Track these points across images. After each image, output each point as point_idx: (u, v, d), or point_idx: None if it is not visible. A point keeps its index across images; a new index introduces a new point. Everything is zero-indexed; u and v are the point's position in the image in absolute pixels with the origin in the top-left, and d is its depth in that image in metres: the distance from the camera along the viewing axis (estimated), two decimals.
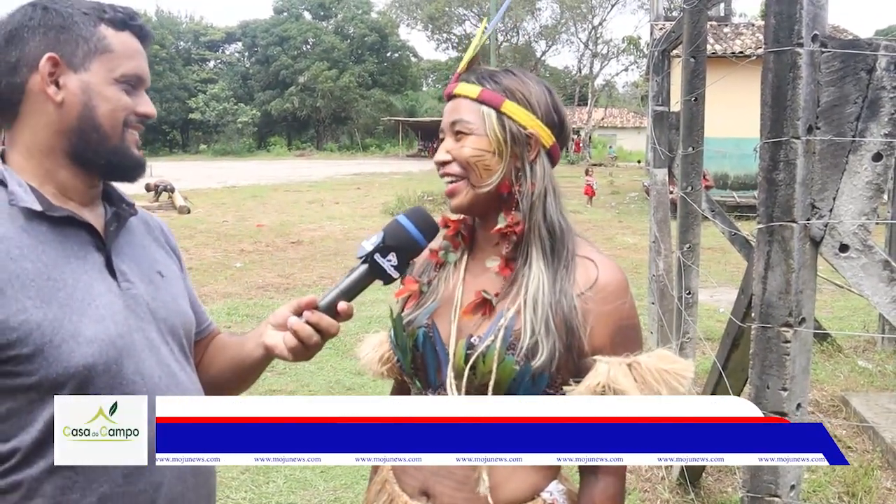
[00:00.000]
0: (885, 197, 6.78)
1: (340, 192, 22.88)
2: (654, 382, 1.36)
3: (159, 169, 28.00)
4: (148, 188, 19.56)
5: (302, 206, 19.26)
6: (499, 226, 1.46)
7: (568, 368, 1.40)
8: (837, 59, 1.87)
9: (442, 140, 1.50)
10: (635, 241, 13.39)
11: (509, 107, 1.44)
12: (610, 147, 49.37)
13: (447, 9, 49.82)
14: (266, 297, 8.75)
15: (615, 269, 1.46)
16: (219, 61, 67.12)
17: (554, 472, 1.50)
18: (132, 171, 1.38)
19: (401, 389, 1.69)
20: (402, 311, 1.55)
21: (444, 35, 52.54)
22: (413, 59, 68.03)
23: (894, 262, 1.90)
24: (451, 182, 1.46)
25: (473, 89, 1.46)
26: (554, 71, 59.78)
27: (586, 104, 49.01)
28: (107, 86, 1.32)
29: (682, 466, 3.90)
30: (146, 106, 1.37)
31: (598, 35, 48.94)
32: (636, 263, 10.96)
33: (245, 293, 9.16)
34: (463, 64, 1.51)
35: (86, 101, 1.31)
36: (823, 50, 1.87)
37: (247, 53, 65.75)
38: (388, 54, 64.62)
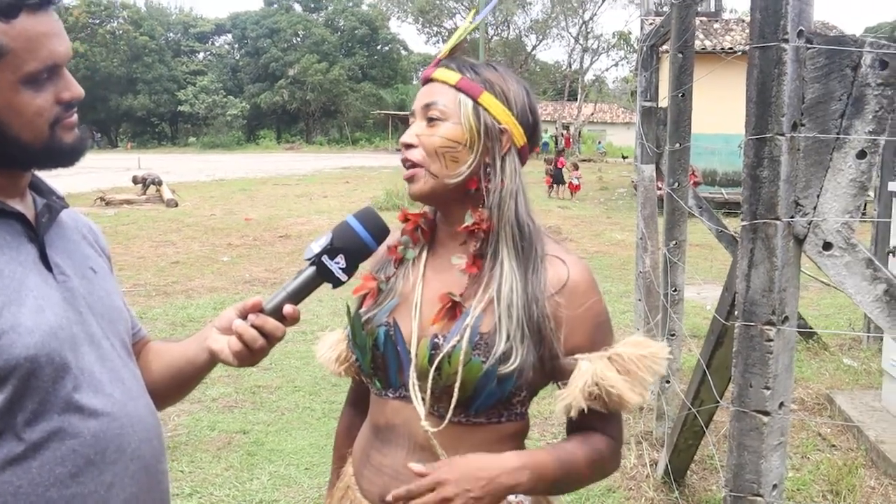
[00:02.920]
0: (872, 194, 6.80)
1: (329, 186, 22.81)
2: (638, 370, 1.37)
3: (147, 161, 27.90)
4: (135, 181, 19.48)
5: (290, 199, 19.20)
6: (466, 223, 1.42)
7: (535, 371, 1.39)
8: (823, 55, 1.85)
9: (412, 123, 1.46)
10: (623, 237, 13.40)
11: (486, 98, 1.41)
12: (599, 143, 49.45)
13: (438, 2, 49.80)
14: (253, 292, 8.70)
15: (584, 267, 1.45)
16: (208, 53, 66.81)
17: None
18: (68, 158, 1.28)
19: (359, 389, 1.66)
20: (360, 308, 1.52)
21: (435, 28, 52.46)
22: (403, 53, 67.95)
23: (878, 261, 1.88)
24: (410, 167, 1.43)
25: (452, 75, 1.42)
26: (544, 65, 59.85)
27: (576, 99, 49.06)
28: (13, 94, 1.17)
29: (666, 464, 3.90)
30: (69, 90, 1.23)
31: (588, 30, 49.02)
32: (624, 260, 10.97)
33: (232, 287, 9.13)
34: (445, 50, 1.48)
35: None
36: (809, 46, 1.86)
37: (236, 45, 65.48)
38: (379, 47, 64.51)
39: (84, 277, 1.33)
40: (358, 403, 1.69)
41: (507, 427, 1.43)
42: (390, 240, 1.50)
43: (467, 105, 1.40)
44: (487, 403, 1.38)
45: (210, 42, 67.08)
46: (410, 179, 1.43)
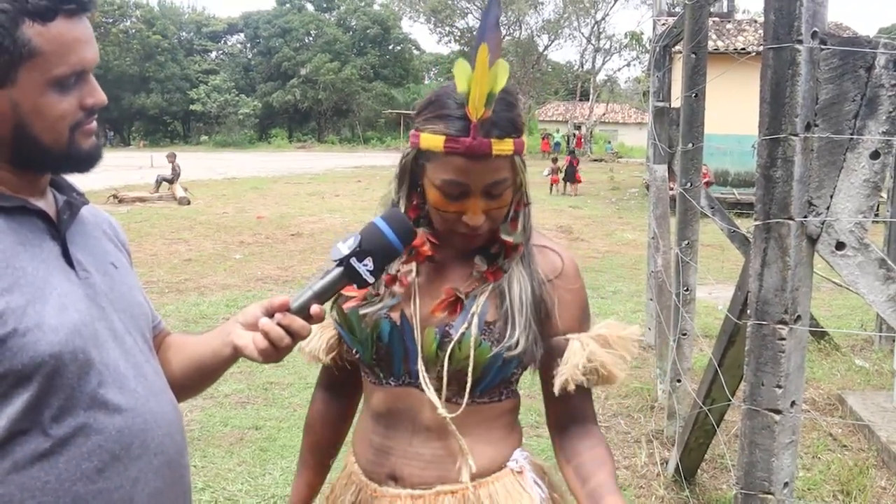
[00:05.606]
0: (885, 195, 6.78)
1: (341, 185, 22.85)
2: (618, 349, 1.47)
3: (160, 160, 27.89)
4: (170, 159, 19.68)
5: (302, 198, 19.24)
6: (509, 238, 1.46)
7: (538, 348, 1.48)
8: (837, 56, 1.86)
9: (457, 196, 1.39)
10: (635, 237, 13.38)
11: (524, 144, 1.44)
12: (608, 143, 49.37)
13: (450, 1, 49.77)
14: (265, 290, 8.74)
15: (571, 256, 1.56)
16: (221, 52, 66.93)
17: (518, 442, 1.58)
18: (85, 164, 1.29)
19: (333, 374, 1.67)
20: (345, 303, 1.53)
21: (447, 28, 52.43)
22: (415, 52, 67.93)
23: (891, 261, 1.89)
24: (477, 239, 1.45)
25: (508, 145, 1.37)
26: (556, 66, 59.82)
27: (588, 99, 48.96)
28: (39, 96, 1.18)
29: (677, 463, 3.91)
30: (92, 96, 1.24)
31: (600, 30, 48.94)
32: (635, 259, 10.95)
33: (244, 285, 9.16)
34: (480, 109, 1.33)
35: (17, 118, 1.19)
36: (823, 47, 1.87)
37: (249, 45, 65.60)
38: (391, 47, 64.52)
39: (106, 274, 1.34)
40: (331, 387, 1.72)
41: (505, 404, 1.54)
42: (393, 266, 1.49)
43: (519, 162, 1.42)
44: (492, 385, 1.47)
45: (222, 41, 67.19)
46: (476, 241, 1.46)
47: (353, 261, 1.30)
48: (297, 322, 1.30)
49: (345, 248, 1.31)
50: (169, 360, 1.52)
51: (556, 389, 1.45)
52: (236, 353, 1.38)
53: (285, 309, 1.30)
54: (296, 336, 1.31)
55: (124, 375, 1.27)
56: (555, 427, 1.56)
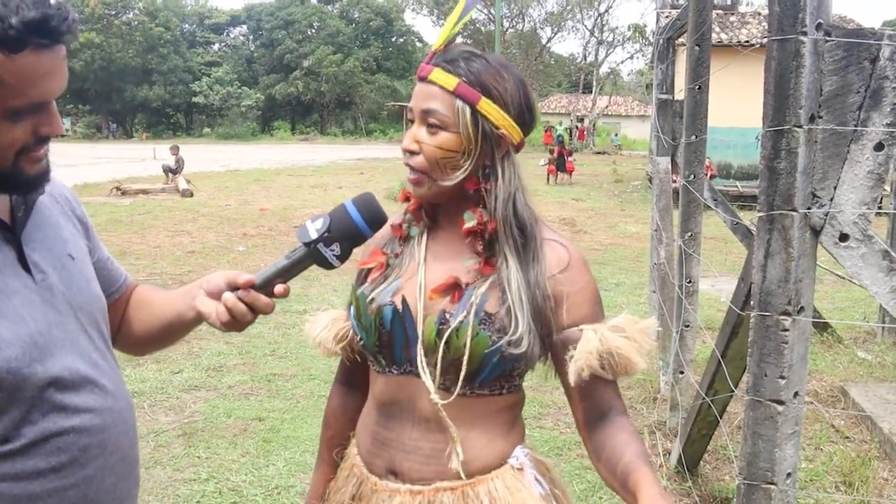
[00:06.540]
0: (888, 188, 6.77)
1: (344, 177, 22.85)
2: (637, 338, 1.44)
3: (163, 152, 27.96)
4: (173, 151, 19.91)
5: (305, 190, 19.23)
6: (468, 224, 1.45)
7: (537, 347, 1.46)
8: (841, 48, 1.87)
9: (411, 122, 1.45)
10: (637, 230, 13.38)
11: (484, 105, 1.39)
12: (615, 135, 49.38)
13: None
14: None
15: (578, 251, 1.53)
16: (223, 44, 66.82)
17: (520, 439, 1.56)
18: (23, 188, 1.25)
19: (349, 368, 1.69)
20: (362, 284, 1.55)
21: None
22: (418, 45, 67.74)
23: (895, 253, 1.90)
24: (414, 173, 1.44)
25: (450, 80, 1.39)
26: (559, 58, 59.76)
27: (591, 92, 48.91)
28: None
29: (680, 454, 3.92)
30: (49, 125, 1.20)
31: (603, 22, 48.93)
32: (638, 252, 10.96)
33: None
34: (440, 42, 1.44)
35: None
36: (827, 39, 1.87)
37: (251, 37, 65.51)
38: (393, 39, 64.42)
39: (63, 268, 1.33)
40: (348, 382, 1.73)
41: (507, 398, 1.51)
42: (395, 218, 1.54)
43: (465, 113, 1.39)
44: (491, 376, 1.44)
45: (225, 33, 67.06)
46: (415, 184, 1.45)
47: (321, 246, 1.32)
48: (262, 300, 1.32)
49: (313, 232, 1.32)
50: (133, 317, 1.54)
51: (572, 377, 1.41)
52: (200, 318, 1.40)
53: (250, 286, 1.32)
54: (258, 312, 1.33)
55: (83, 376, 1.28)
56: (585, 427, 1.51)
